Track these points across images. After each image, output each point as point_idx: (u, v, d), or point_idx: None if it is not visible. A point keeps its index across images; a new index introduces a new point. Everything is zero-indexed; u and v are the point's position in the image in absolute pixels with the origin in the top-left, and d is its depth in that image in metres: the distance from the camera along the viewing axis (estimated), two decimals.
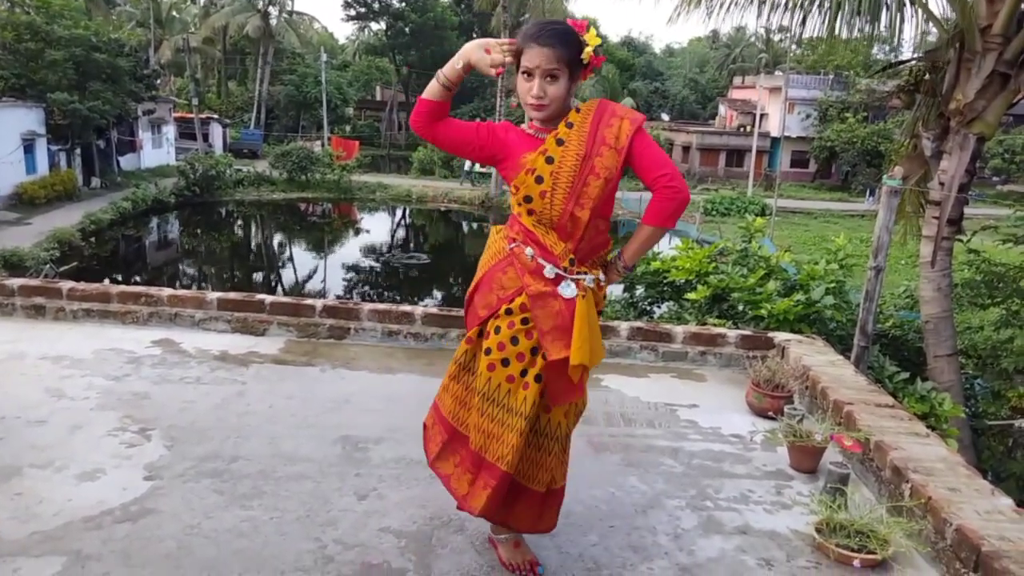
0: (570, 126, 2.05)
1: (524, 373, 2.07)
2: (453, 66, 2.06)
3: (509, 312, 2.09)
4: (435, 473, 2.31)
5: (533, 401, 2.06)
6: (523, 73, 2.02)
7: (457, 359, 2.25)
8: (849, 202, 35.86)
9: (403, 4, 51.28)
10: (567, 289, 2.06)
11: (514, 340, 2.07)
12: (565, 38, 2.00)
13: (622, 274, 2.21)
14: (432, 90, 2.09)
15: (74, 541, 2.26)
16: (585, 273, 2.10)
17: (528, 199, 2.07)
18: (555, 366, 2.05)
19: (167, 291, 4.39)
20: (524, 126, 2.16)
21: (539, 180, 2.04)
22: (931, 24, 6.36)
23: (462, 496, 2.17)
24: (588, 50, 2.03)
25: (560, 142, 2.04)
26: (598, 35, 2.05)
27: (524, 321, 2.08)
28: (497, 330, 2.09)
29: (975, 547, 2.17)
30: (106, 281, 12.13)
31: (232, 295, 4.38)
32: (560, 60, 1.98)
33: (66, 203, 24.60)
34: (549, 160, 2.04)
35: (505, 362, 2.07)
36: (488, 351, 2.10)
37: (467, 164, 36.36)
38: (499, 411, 2.08)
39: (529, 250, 2.09)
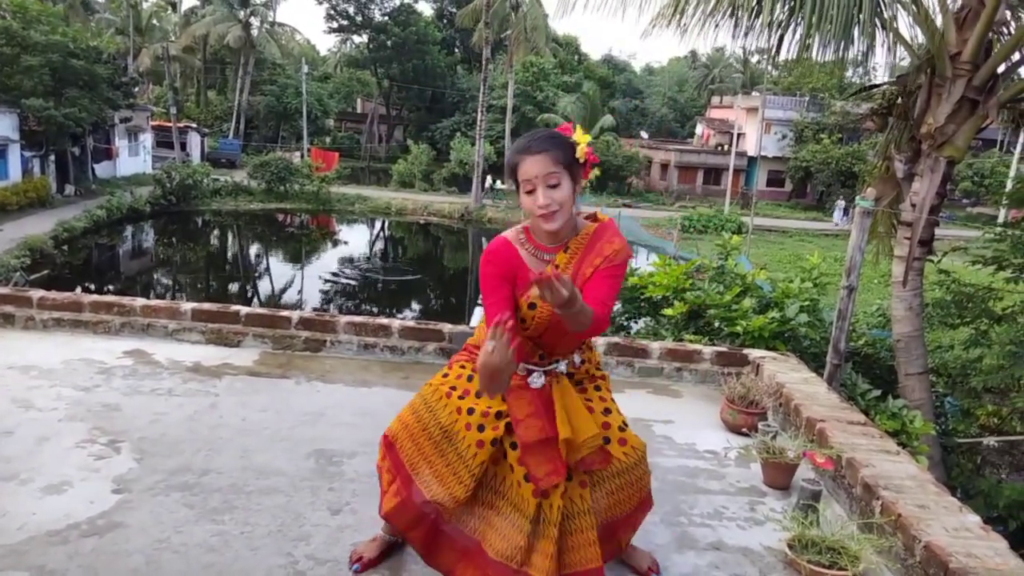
0: (556, 267, 2.03)
1: (482, 428, 2.07)
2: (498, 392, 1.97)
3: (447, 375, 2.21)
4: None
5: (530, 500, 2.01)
6: (525, 191, 2.00)
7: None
8: (823, 221, 36.39)
9: (386, 18, 51.42)
10: (536, 381, 2.09)
11: (479, 394, 2.10)
12: (555, 142, 2.00)
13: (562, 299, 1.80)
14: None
15: (39, 556, 2.21)
16: (557, 362, 2.13)
17: (523, 321, 2.08)
18: (532, 448, 2.02)
19: (140, 301, 4.34)
20: (515, 235, 2.13)
21: (523, 322, 2.06)
22: (903, 49, 6.51)
23: None
24: (581, 147, 2.02)
25: None
26: (585, 132, 2.06)
27: (498, 415, 2.08)
28: (470, 378, 2.16)
29: (943, 564, 2.19)
30: (78, 290, 11.94)
31: (206, 306, 4.33)
32: (557, 163, 1.96)
33: (39, 210, 24.22)
34: (531, 307, 2.04)
35: (470, 411, 2.10)
36: (445, 374, 2.22)
37: (488, 180, 36.68)
38: (492, 497, 2.10)
39: None
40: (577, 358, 2.20)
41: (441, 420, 2.13)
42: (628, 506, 2.22)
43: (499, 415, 2.08)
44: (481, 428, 2.07)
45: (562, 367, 2.14)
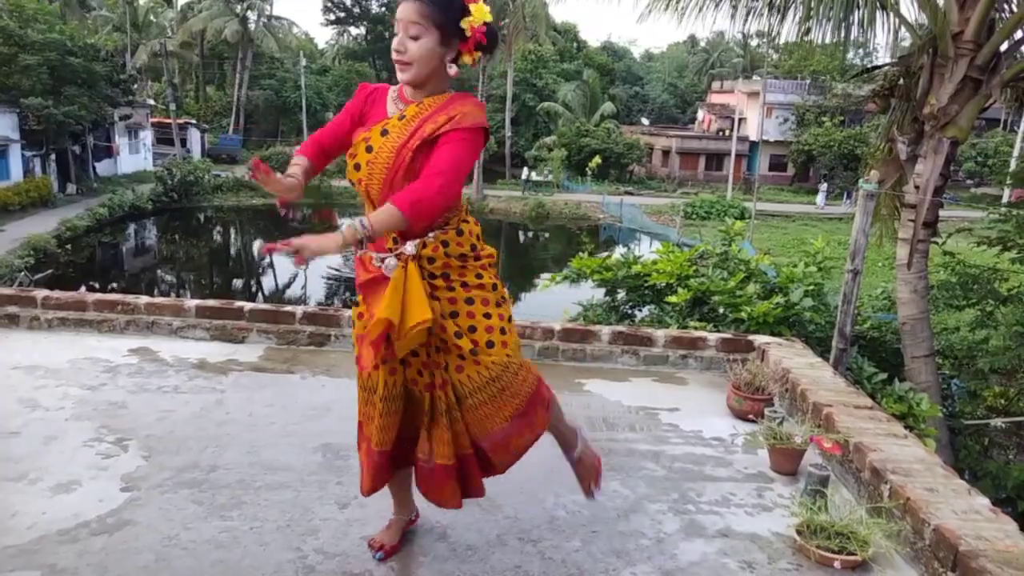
0: (402, 118, 1.99)
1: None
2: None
3: (356, 304, 2.19)
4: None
5: (384, 382, 2.08)
6: (396, 31, 1.96)
7: None
8: (828, 206, 36.26)
9: (383, 8, 51.23)
10: (389, 266, 2.02)
11: (364, 327, 2.11)
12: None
13: (354, 233, 1.84)
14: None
15: (49, 555, 2.21)
16: (408, 243, 2.01)
17: (351, 183, 2.09)
18: (366, 337, 2.01)
19: (144, 299, 4.34)
20: (392, 89, 2.09)
21: (357, 167, 2.03)
22: (904, 29, 6.46)
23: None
24: (469, 19, 1.92)
25: (384, 132, 1.99)
26: (486, 10, 1.96)
27: (360, 316, 2.15)
28: (352, 323, 2.24)
29: (953, 547, 2.19)
30: (82, 289, 11.97)
31: (211, 302, 4.33)
32: (425, 16, 1.89)
33: (41, 210, 24.27)
34: (368, 149, 2.00)
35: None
36: (353, 344, 2.25)
37: (524, 172, 36.81)
38: (371, 397, 2.15)
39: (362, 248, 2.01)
40: (430, 236, 2.02)
41: (360, 383, 2.19)
42: (495, 422, 2.12)
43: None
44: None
45: (409, 248, 2.00)
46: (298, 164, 2.09)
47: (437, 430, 2.12)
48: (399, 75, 1.98)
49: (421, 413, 2.14)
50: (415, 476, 2.26)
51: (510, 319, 2.18)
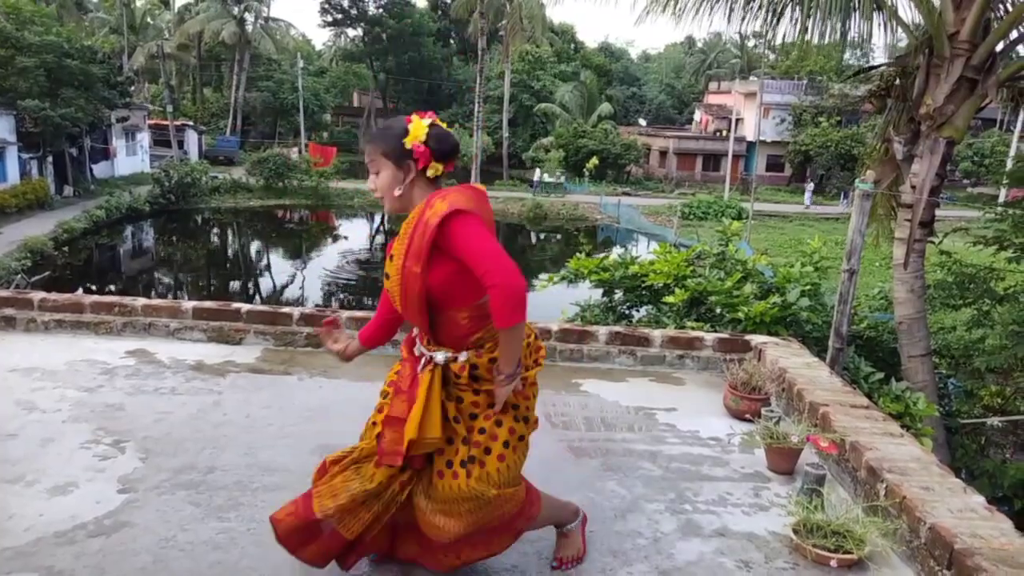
0: (396, 235, 2.13)
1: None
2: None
3: (385, 395, 2.26)
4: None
5: (379, 480, 2.10)
6: None
7: None
8: (823, 205, 36.32)
9: (380, 10, 51.22)
10: (422, 361, 2.13)
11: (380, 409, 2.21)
12: (384, 134, 2.11)
13: (507, 382, 2.05)
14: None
15: (46, 557, 2.21)
16: (436, 351, 2.09)
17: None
18: (391, 421, 2.09)
19: (141, 300, 4.34)
20: None
21: (387, 276, 2.15)
22: (900, 30, 6.47)
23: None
24: (409, 138, 2.05)
25: (391, 257, 2.10)
26: (430, 124, 2.09)
27: (384, 395, 2.24)
28: (384, 395, 2.25)
29: (948, 545, 2.20)
30: (79, 291, 11.95)
31: (208, 304, 4.33)
32: (376, 152, 2.09)
33: (38, 212, 24.23)
34: (386, 276, 2.14)
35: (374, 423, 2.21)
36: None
37: (536, 174, 36.91)
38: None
39: (415, 328, 2.20)
40: (462, 356, 2.08)
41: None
42: (443, 534, 2.09)
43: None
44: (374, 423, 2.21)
45: (439, 358, 2.09)
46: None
47: (361, 509, 2.11)
48: (384, 208, 2.18)
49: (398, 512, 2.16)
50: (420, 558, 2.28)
51: (515, 446, 2.13)
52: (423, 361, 2.12)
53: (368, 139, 2.15)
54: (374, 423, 2.18)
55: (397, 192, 2.09)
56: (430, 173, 2.09)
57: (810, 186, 36.61)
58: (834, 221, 30.67)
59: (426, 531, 2.13)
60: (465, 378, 2.08)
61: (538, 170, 37.49)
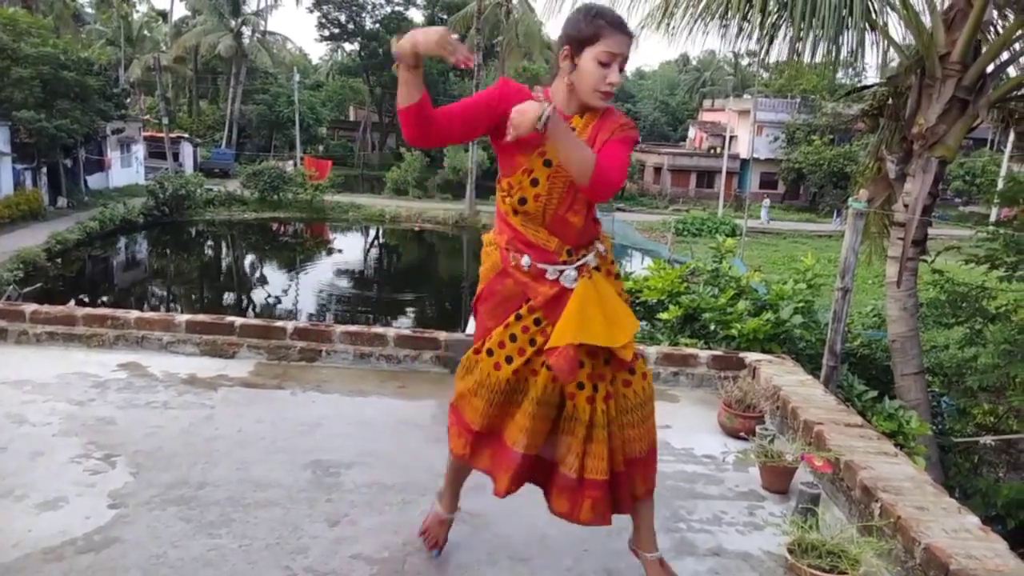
0: (572, 130, 1.97)
1: (528, 362, 2.06)
2: (406, 56, 1.87)
3: (519, 317, 2.07)
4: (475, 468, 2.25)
5: (544, 385, 2.04)
6: (600, 61, 1.95)
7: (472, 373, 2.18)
8: (817, 223, 36.49)
9: (377, 25, 51.48)
10: (569, 279, 2.03)
11: (532, 342, 2.06)
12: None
13: (545, 115, 1.79)
14: (403, 94, 1.89)
15: (34, 573, 2.18)
16: (585, 256, 2.06)
17: (523, 201, 2.03)
18: (551, 352, 2.02)
19: (134, 313, 4.32)
20: (535, 90, 2.01)
21: (534, 183, 2.01)
22: (892, 50, 6.54)
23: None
24: None
25: (547, 163, 2.00)
26: None
27: (536, 322, 2.06)
28: (512, 338, 2.07)
29: (943, 566, 2.19)
30: (72, 303, 11.88)
31: (201, 317, 4.31)
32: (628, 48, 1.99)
33: (31, 223, 24.13)
34: (547, 163, 1.99)
35: (529, 361, 2.06)
36: (490, 351, 2.09)
37: None
38: (518, 397, 2.09)
39: (525, 258, 2.04)
40: (601, 246, 2.11)
41: (501, 386, 2.10)
42: (643, 445, 2.15)
43: (531, 342, 2.06)
44: (509, 359, 2.06)
45: (591, 259, 2.06)
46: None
47: (594, 444, 2.07)
48: (600, 103, 2.01)
49: (572, 424, 2.08)
50: (550, 491, 2.19)
51: None
52: (566, 275, 2.02)
53: (628, 31, 1.99)
54: (518, 363, 2.05)
55: None
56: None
57: (767, 202, 36.70)
58: (827, 239, 30.81)
59: (628, 452, 2.10)
60: (607, 265, 2.11)
61: None
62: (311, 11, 52.15)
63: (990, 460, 6.80)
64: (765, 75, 44.56)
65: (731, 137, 40.99)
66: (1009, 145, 31.48)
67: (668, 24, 6.73)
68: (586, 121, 2.03)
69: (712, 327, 5.26)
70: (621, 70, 1.99)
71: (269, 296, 22.97)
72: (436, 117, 1.93)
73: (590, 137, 2.00)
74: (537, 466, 2.16)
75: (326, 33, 54.06)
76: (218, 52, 42.37)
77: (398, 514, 2.64)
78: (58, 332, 4.22)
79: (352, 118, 60.59)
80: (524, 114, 1.78)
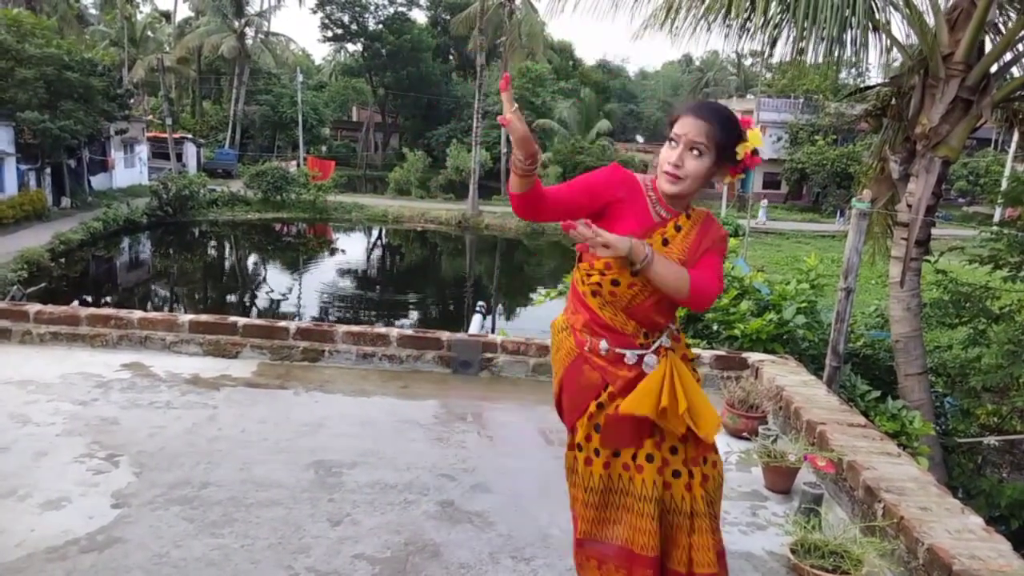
0: (678, 229, 1.97)
1: (635, 458, 1.98)
2: (523, 150, 1.82)
3: (601, 406, 1.99)
4: None
5: (652, 481, 1.96)
6: (670, 141, 1.95)
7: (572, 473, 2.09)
8: (820, 223, 36.44)
9: (380, 26, 51.51)
10: (650, 363, 1.97)
11: (597, 428, 2.00)
12: (724, 121, 1.93)
13: (641, 254, 1.85)
14: (516, 182, 1.87)
15: (37, 573, 2.19)
16: (659, 338, 2.01)
17: (615, 283, 1.95)
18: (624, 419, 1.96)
19: (138, 314, 4.33)
20: (646, 189, 2.01)
21: (615, 283, 1.94)
22: (896, 50, 6.53)
23: None
24: (744, 146, 1.94)
25: (665, 242, 1.96)
26: (756, 137, 1.98)
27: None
28: (597, 428, 1.99)
29: (946, 566, 2.19)
30: (75, 303, 11.90)
31: (204, 317, 4.32)
32: (710, 137, 1.90)
33: (35, 223, 24.18)
34: (635, 273, 1.92)
35: (617, 453, 1.98)
36: (579, 447, 2.02)
37: None
38: (625, 499, 1.99)
39: (603, 343, 1.98)
40: (673, 326, 2.07)
41: (604, 485, 2.01)
42: (708, 556, 1.98)
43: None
44: (598, 452, 2.00)
45: (666, 341, 2.02)
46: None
47: (698, 536, 1.96)
48: (667, 186, 1.95)
49: (674, 517, 1.98)
50: None
51: None
52: (653, 358, 1.98)
53: (707, 117, 1.91)
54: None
55: (697, 185, 1.95)
56: (726, 180, 2.04)
57: (764, 202, 36.49)
58: (831, 238, 30.76)
59: (703, 557, 1.95)
60: (681, 348, 2.09)
61: None
62: (314, 12, 52.23)
63: (994, 460, 6.78)
64: (768, 75, 44.49)
65: None
66: (1013, 145, 31.39)
67: (672, 24, 6.73)
68: (692, 223, 2.01)
69: (715, 327, 5.25)
70: (698, 154, 1.91)
71: (272, 296, 22.99)
72: (545, 200, 1.92)
73: (694, 242, 1.98)
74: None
75: (329, 34, 54.12)
76: (221, 53, 42.44)
77: (400, 514, 2.65)
78: (62, 332, 4.23)
79: (355, 118, 60.65)
80: (616, 250, 1.81)
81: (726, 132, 1.92)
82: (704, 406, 2.02)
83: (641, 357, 1.98)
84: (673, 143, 1.94)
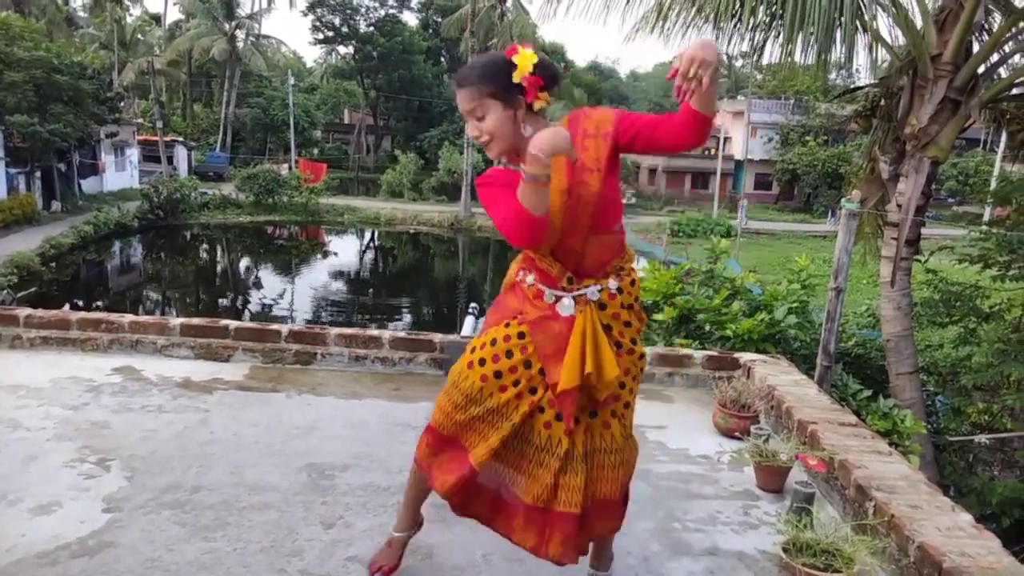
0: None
1: (516, 384, 2.01)
2: (544, 165, 1.76)
3: (507, 325, 2.05)
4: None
5: (521, 413, 2.00)
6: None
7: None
8: (811, 223, 36.59)
9: (371, 28, 51.50)
10: (565, 308, 1.98)
11: (508, 353, 2.02)
12: (483, 71, 1.93)
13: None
14: (535, 203, 1.78)
15: None
16: (587, 287, 1.99)
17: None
18: (555, 388, 1.99)
19: (129, 317, 4.31)
20: (505, 162, 2.04)
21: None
22: (884, 51, 6.57)
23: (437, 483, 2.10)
24: (519, 71, 1.90)
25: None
26: (538, 52, 1.94)
27: (520, 335, 2.03)
28: (492, 342, 2.05)
29: (937, 564, 2.20)
30: (66, 307, 11.84)
31: (195, 321, 4.31)
32: (476, 97, 1.91)
33: (25, 227, 24.05)
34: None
35: (498, 374, 2.02)
36: (472, 349, 2.08)
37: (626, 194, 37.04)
38: (491, 416, 2.02)
39: (529, 277, 2.04)
40: (613, 283, 2.02)
41: (470, 392, 2.05)
42: (613, 488, 2.08)
43: (528, 364, 2.01)
44: (516, 383, 2.01)
45: (594, 293, 1.99)
46: None
47: (568, 476, 2.00)
48: (491, 154, 1.99)
49: (543, 456, 2.02)
50: (508, 520, 2.09)
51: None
52: (571, 304, 1.98)
53: (464, 82, 1.92)
54: (518, 401, 2.01)
55: (507, 135, 1.93)
56: (537, 106, 1.94)
57: (744, 202, 36.62)
58: (822, 239, 30.89)
59: (594, 492, 2.04)
60: (613, 307, 2.02)
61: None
62: (305, 14, 52.19)
63: (985, 458, 6.82)
64: (759, 76, 44.67)
65: (725, 138, 41.10)
66: (1002, 145, 31.60)
67: (662, 26, 6.75)
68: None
69: (707, 328, 5.27)
70: (480, 117, 1.93)
71: (264, 299, 22.93)
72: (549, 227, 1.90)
73: (566, 165, 1.97)
74: (482, 493, 2.10)
75: (320, 36, 54.07)
76: (212, 55, 42.32)
77: (393, 516, 2.63)
78: (52, 336, 4.21)
79: (347, 121, 60.60)
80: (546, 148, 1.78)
81: (489, 79, 1.91)
82: (606, 364, 1.97)
83: (558, 298, 2.00)
84: (467, 121, 1.98)
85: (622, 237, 2.09)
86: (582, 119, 1.99)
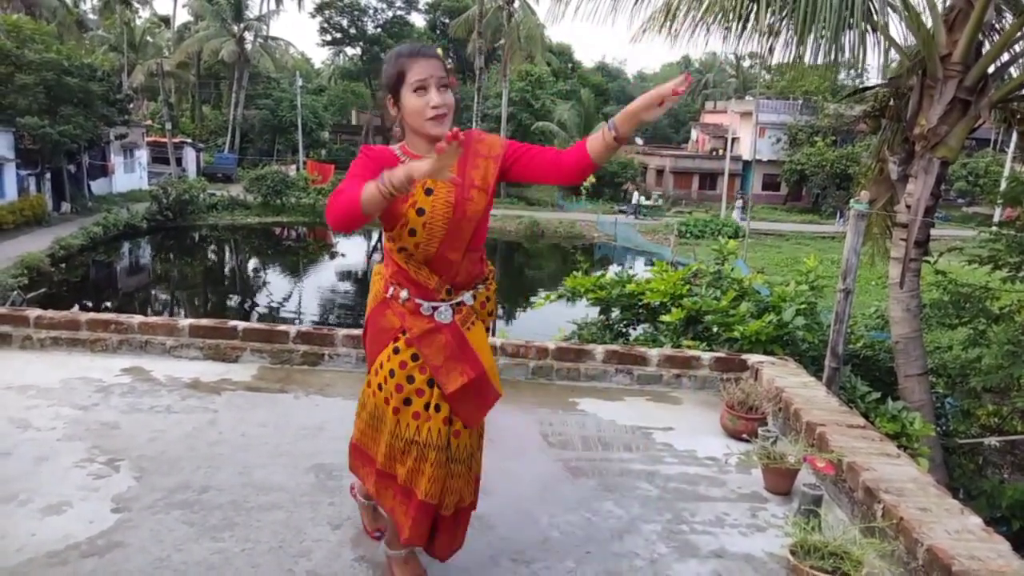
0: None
1: (427, 407, 2.07)
2: (404, 183, 1.74)
3: (397, 351, 2.10)
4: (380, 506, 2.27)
5: (438, 430, 2.06)
6: (415, 90, 1.96)
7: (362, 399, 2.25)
8: (819, 224, 36.45)
9: (379, 30, 51.64)
10: (444, 315, 2.08)
11: (409, 379, 2.08)
12: (441, 53, 2.05)
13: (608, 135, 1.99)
14: (373, 207, 1.79)
15: None
16: (463, 294, 2.12)
17: (402, 250, 2.06)
18: (457, 395, 2.06)
19: (138, 318, 4.33)
20: (395, 149, 2.07)
21: (412, 233, 2.01)
22: (894, 51, 6.54)
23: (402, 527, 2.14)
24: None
25: (429, 191, 2.00)
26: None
27: (414, 357, 2.09)
28: (392, 373, 2.09)
29: (946, 567, 2.19)
30: (75, 308, 11.91)
31: (204, 322, 4.33)
32: (447, 69, 2.00)
33: (35, 228, 24.24)
34: (420, 212, 2.00)
35: (407, 401, 2.07)
36: (380, 387, 2.13)
37: (634, 197, 37.09)
38: (414, 448, 2.07)
39: (403, 293, 2.09)
40: (480, 288, 2.18)
41: (375, 413, 2.16)
42: (468, 496, 2.18)
43: (409, 379, 2.08)
44: (407, 402, 2.08)
45: (468, 299, 2.13)
46: None
47: (454, 480, 2.12)
48: (437, 128, 1.97)
49: (424, 451, 2.09)
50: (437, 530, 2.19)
51: None
52: (448, 311, 2.09)
53: (432, 53, 2.00)
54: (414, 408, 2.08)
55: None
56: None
57: (739, 203, 36.49)
58: (830, 239, 30.78)
59: (467, 495, 2.16)
60: (481, 313, 2.17)
61: (635, 193, 37.81)
62: (313, 16, 52.41)
63: (994, 461, 6.78)
64: (767, 77, 44.54)
65: (733, 139, 40.98)
66: (1012, 145, 31.42)
67: (670, 27, 6.74)
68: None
69: (714, 329, 5.25)
70: (446, 88, 1.98)
71: (272, 300, 23.00)
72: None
73: (458, 172, 2.01)
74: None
75: (328, 38, 54.25)
76: (221, 57, 42.46)
77: None
78: (62, 337, 4.24)
79: (355, 122, 60.64)
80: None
81: (446, 58, 2.11)
82: (494, 367, 2.18)
83: (436, 308, 2.08)
84: (422, 90, 1.97)
85: (484, 253, 2.22)
86: (475, 141, 2.10)
